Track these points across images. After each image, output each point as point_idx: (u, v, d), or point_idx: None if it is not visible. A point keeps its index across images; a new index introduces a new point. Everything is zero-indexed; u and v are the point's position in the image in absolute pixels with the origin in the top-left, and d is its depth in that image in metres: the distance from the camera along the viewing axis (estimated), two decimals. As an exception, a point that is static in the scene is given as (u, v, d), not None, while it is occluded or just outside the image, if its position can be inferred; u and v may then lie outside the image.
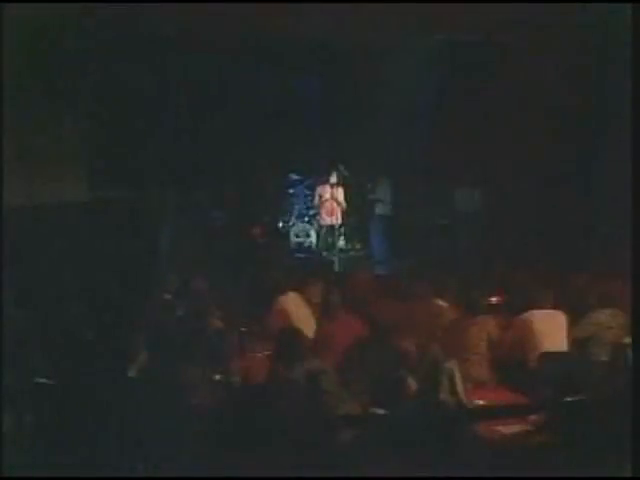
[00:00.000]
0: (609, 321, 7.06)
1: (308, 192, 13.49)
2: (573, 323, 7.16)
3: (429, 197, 13.21)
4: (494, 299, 8.25)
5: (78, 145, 11.45)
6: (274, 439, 4.49)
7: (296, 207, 13.51)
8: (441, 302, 7.66)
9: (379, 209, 13.11)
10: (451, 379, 5.40)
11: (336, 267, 12.18)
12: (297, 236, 13.41)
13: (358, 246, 13.56)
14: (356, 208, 13.34)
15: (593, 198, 11.53)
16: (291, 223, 13.44)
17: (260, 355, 7.13)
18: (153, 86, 12.09)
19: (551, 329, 6.98)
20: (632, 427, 4.48)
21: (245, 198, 13.15)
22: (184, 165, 12.28)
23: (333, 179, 12.74)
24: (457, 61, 11.99)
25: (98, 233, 10.74)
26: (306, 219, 13.49)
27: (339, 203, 12.84)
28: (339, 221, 12.86)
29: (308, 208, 13.47)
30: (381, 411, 5.15)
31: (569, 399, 5.07)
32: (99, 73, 10.83)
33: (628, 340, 5.90)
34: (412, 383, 5.59)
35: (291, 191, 13.57)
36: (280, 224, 13.37)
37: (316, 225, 13.33)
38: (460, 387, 5.42)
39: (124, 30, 10.31)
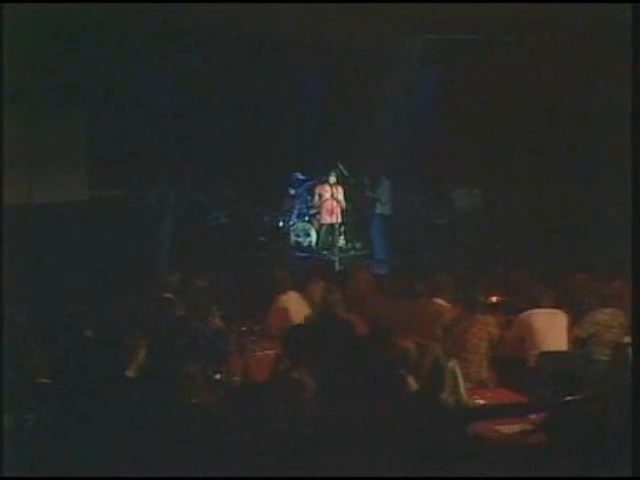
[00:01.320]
0: (610, 320, 7.06)
1: (308, 192, 13.48)
2: (574, 322, 7.16)
3: (429, 196, 13.21)
4: (494, 298, 8.24)
5: (77, 144, 11.45)
6: (274, 438, 4.48)
7: (296, 206, 13.49)
8: (441, 301, 7.65)
9: (379, 208, 13.10)
10: (453, 379, 5.39)
11: (336, 266, 12.17)
12: (297, 235, 13.40)
13: (358, 245, 13.55)
14: (356, 207, 13.33)
15: (593, 197, 11.53)
16: (291, 222, 13.43)
17: (260, 354, 7.12)
18: (153, 85, 12.10)
19: (551, 328, 6.98)
20: (632, 427, 4.48)
21: (245, 197, 13.14)
22: (184, 164, 12.28)
23: (333, 179, 12.73)
24: (457, 61, 11.99)
25: (98, 232, 10.75)
26: (306, 218, 13.48)
27: (339, 202, 12.83)
28: (339, 220, 12.85)
29: (308, 207, 13.46)
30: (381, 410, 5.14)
31: (569, 398, 5.06)
32: (99, 72, 10.83)
33: (628, 339, 5.89)
34: (413, 382, 5.58)
35: (291, 191, 13.55)
36: (280, 223, 13.36)
37: (316, 224, 13.31)
38: (462, 387, 5.42)
39: (124, 29, 10.31)
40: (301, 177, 13.59)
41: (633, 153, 5.83)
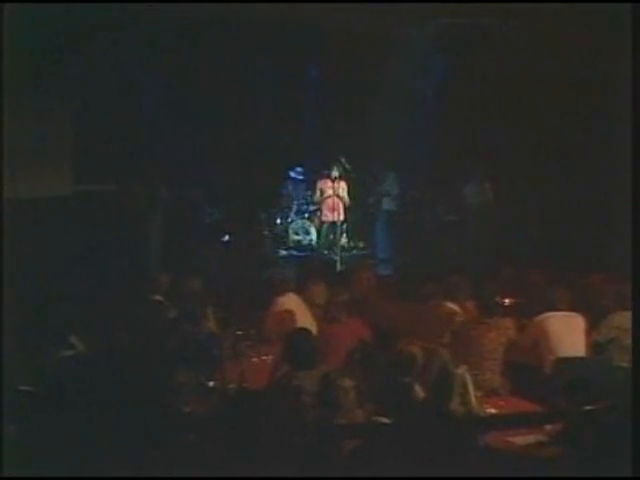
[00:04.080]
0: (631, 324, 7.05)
1: (308, 187, 13.48)
2: (592, 326, 7.16)
3: (437, 191, 13.20)
4: (507, 301, 8.25)
5: (61, 137, 11.45)
6: (272, 450, 4.49)
7: (295, 203, 13.50)
8: (451, 304, 7.65)
9: (384, 205, 13.10)
10: (462, 386, 5.40)
11: (338, 267, 12.18)
12: (296, 234, 13.40)
13: (361, 244, 13.57)
14: (359, 204, 13.34)
15: (613, 194, 11.52)
16: (290, 220, 13.44)
17: (257, 360, 7.13)
18: (142, 75, 12.10)
19: (568, 333, 6.98)
20: (632, 427, 4.52)
21: (240, 193, 13.14)
22: (175, 157, 12.28)
23: (335, 173, 12.73)
24: (467, 48, 11.99)
25: (82, 230, 10.74)
26: (306, 215, 13.49)
27: (341, 198, 12.83)
28: (341, 218, 12.85)
29: (308, 204, 13.47)
30: (386, 420, 5.16)
31: (588, 408, 5.06)
32: (84, 63, 10.85)
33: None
34: (419, 390, 5.59)
35: (290, 186, 13.56)
36: (278, 220, 13.37)
37: (317, 222, 13.32)
38: (472, 395, 5.42)
39: (110, 20, 10.34)
40: (301, 171, 13.59)
41: (633, 154, 5.91)
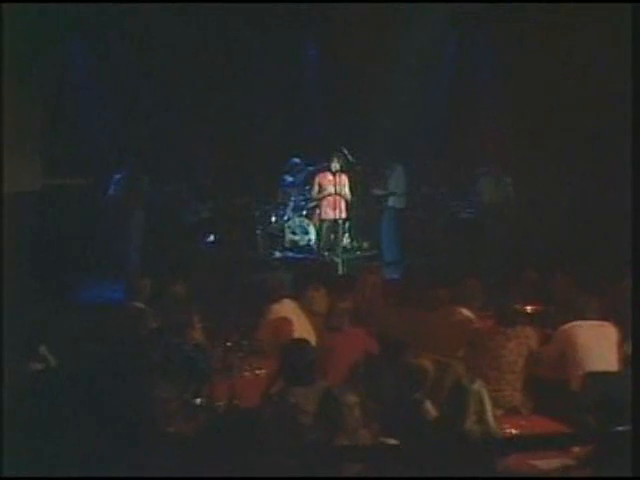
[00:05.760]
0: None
1: (307, 181, 13.49)
2: (625, 337, 7.16)
3: (450, 186, 13.22)
4: (529, 308, 8.26)
5: (29, 125, 11.46)
6: (266, 475, 4.48)
7: (292, 198, 13.51)
8: (466, 312, 7.66)
9: (390, 201, 13.12)
10: (478, 404, 5.40)
11: (340, 270, 12.20)
12: (293, 233, 13.42)
13: (366, 245, 13.58)
14: (363, 200, 13.35)
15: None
16: (286, 217, 13.45)
17: (250, 374, 7.14)
18: (120, 59, 12.12)
19: (598, 344, 6.99)
20: (632, 427, 4.60)
21: (231, 188, 13.16)
22: (158, 148, 12.29)
23: (336, 166, 12.73)
24: (481, 29, 12.01)
25: (53, 229, 10.74)
26: (304, 213, 13.50)
27: (343, 194, 12.84)
28: (343, 215, 12.86)
29: (307, 200, 13.48)
30: (394, 441, 5.15)
31: (619, 428, 5.06)
32: (55, 54, 10.90)
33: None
34: (431, 408, 5.59)
35: (287, 179, 13.57)
36: (273, 218, 13.38)
37: (316, 220, 13.33)
38: (489, 413, 5.42)
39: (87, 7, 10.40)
40: (298, 163, 13.60)
41: (633, 153, 5.95)
